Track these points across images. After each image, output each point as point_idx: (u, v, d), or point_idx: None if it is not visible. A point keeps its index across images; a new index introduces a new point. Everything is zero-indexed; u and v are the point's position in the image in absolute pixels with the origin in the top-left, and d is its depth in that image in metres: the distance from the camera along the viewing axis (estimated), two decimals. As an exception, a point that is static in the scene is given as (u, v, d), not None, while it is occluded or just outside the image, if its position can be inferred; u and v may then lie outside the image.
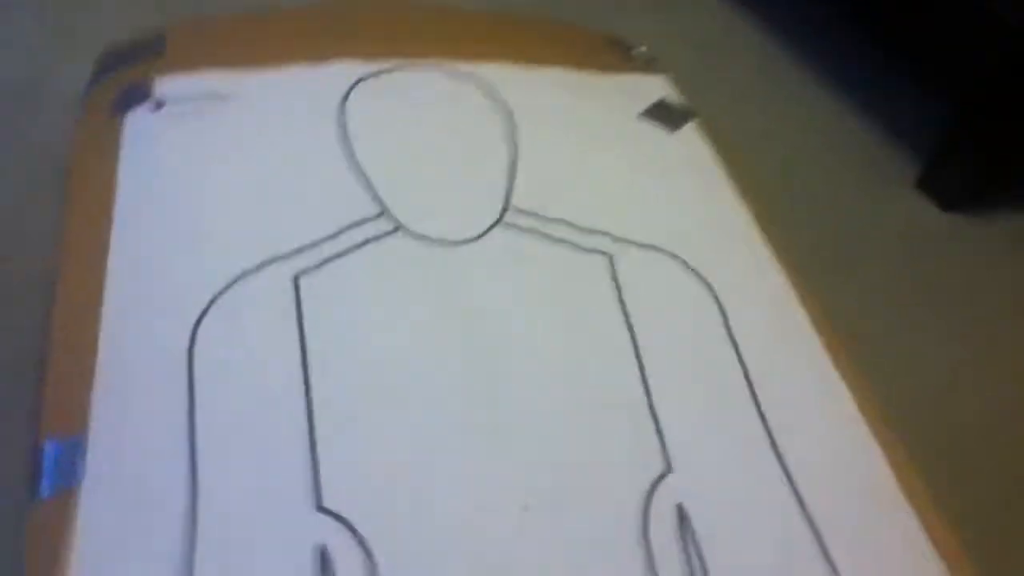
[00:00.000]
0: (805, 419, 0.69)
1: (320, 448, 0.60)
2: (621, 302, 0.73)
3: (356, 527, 0.57)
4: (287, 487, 0.58)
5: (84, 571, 0.54)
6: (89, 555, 0.55)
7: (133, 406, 0.61)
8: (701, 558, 0.60)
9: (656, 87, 0.97)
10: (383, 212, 0.74)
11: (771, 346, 0.73)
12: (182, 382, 0.62)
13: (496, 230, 0.76)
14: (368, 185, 0.76)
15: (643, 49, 1.02)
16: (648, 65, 1.01)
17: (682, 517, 0.61)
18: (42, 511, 0.57)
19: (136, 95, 0.79)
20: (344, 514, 0.57)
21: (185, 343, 0.64)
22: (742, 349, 0.73)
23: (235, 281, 0.68)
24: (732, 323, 0.74)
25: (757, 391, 0.70)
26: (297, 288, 0.68)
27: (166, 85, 0.81)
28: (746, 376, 0.71)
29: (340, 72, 0.85)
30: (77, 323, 0.64)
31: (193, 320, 0.65)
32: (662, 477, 0.63)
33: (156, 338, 0.64)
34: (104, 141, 0.78)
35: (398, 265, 0.71)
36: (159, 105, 0.79)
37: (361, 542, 0.56)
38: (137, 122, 0.78)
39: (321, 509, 0.57)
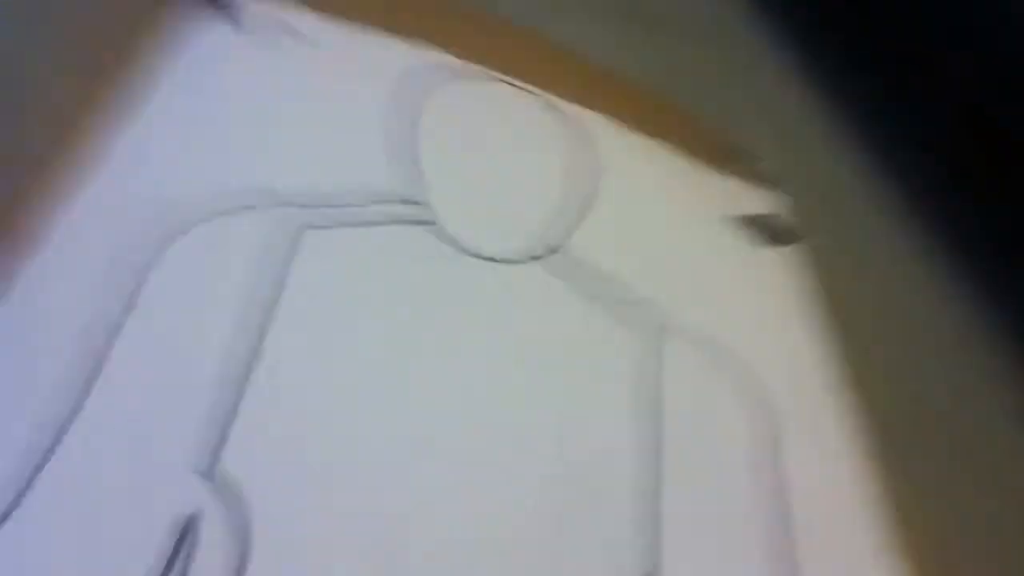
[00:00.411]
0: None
1: (242, 408, 0.49)
2: (655, 388, 0.61)
3: (247, 501, 0.46)
4: (185, 434, 0.47)
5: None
6: None
7: (60, 290, 0.52)
8: None
9: (768, 200, 0.87)
10: (423, 202, 0.65)
11: (830, 505, 0.60)
12: (125, 291, 0.53)
13: (536, 264, 0.65)
14: (420, 171, 0.67)
15: (765, 163, 0.92)
16: (766, 180, 0.91)
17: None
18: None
19: (219, 5, 0.73)
20: (240, 484, 0.46)
21: (148, 255, 0.55)
22: (790, 484, 0.60)
23: (236, 211, 0.59)
24: (785, 453, 0.61)
25: (795, 530, 0.56)
26: (298, 240, 0.59)
27: (254, 7, 0.74)
28: (785, 511, 0.57)
29: (438, 64, 0.78)
30: (45, 187, 0.56)
31: (170, 234, 0.56)
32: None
33: (122, 237, 0.55)
34: (168, 33, 0.71)
35: (413, 258, 0.62)
36: (237, 23, 0.72)
37: (244, 516, 0.45)
38: (206, 30, 0.72)
39: (213, 471, 0.46)
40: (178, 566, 0.43)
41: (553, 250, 0.67)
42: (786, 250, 0.81)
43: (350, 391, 0.53)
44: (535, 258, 0.66)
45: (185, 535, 0.44)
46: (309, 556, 0.46)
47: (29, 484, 0.44)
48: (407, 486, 0.50)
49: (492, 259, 0.64)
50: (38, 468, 0.44)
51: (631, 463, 0.57)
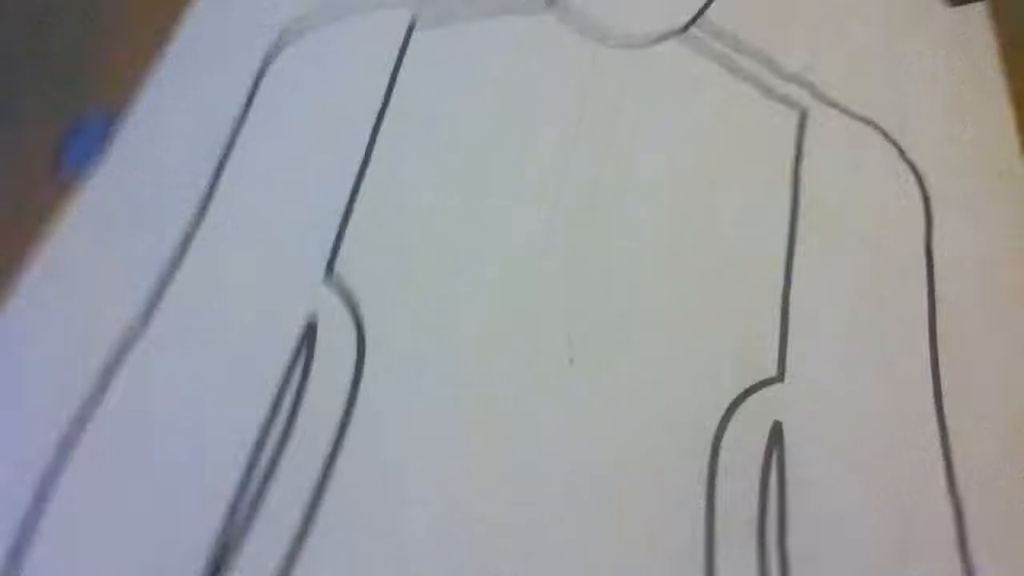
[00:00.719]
0: (989, 386, 0.50)
1: (356, 210, 0.50)
2: (796, 170, 0.56)
3: (359, 300, 0.46)
4: (302, 238, 0.49)
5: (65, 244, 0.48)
6: (77, 231, 0.48)
7: (181, 102, 0.53)
8: (782, 492, 0.44)
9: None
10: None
11: (979, 285, 0.54)
12: (242, 95, 0.53)
13: (672, 42, 0.60)
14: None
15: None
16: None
17: (776, 437, 0.46)
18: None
19: None
20: (353, 283, 0.47)
21: (257, 63, 0.55)
22: (938, 272, 0.54)
23: (343, 14, 0.57)
24: (936, 238, 0.56)
25: (938, 325, 0.52)
26: (408, 37, 0.56)
27: None
28: (931, 302, 0.53)
29: None
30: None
31: (274, 41, 0.56)
32: (767, 383, 0.48)
33: (234, 45, 0.55)
34: None
35: (534, 46, 0.58)
36: None
37: (358, 319, 0.46)
38: None
39: (330, 273, 0.47)
40: (302, 361, 0.45)
41: (690, 23, 0.61)
42: (969, 10, 0.71)
43: (460, 194, 0.52)
44: (671, 34, 0.60)
45: (307, 334, 0.46)
46: (415, 360, 0.47)
47: (159, 296, 0.47)
48: (515, 282, 0.50)
49: (622, 42, 0.59)
50: (164, 283, 0.47)
51: (765, 252, 0.53)
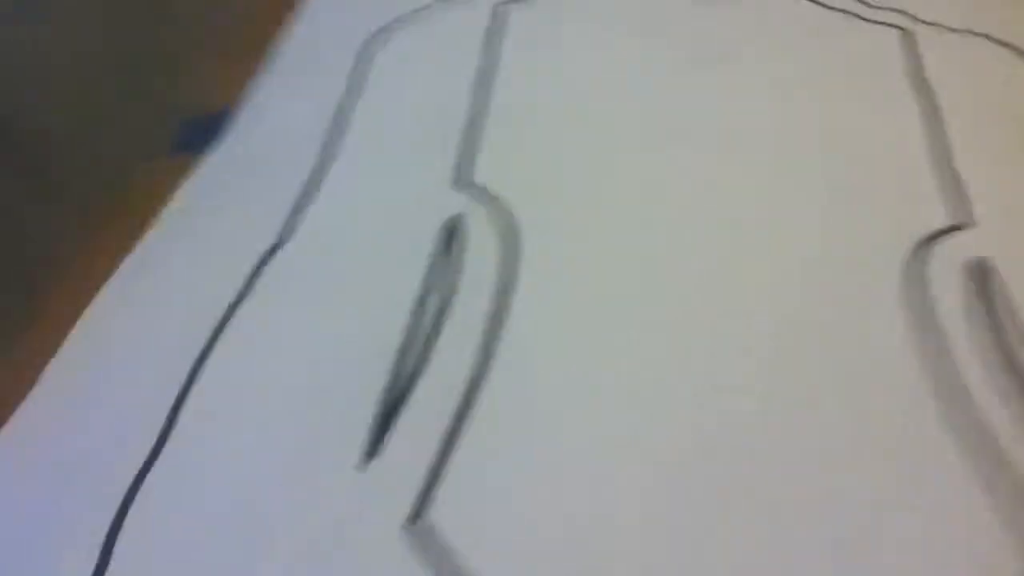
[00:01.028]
0: None
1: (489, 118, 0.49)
2: (919, 70, 0.55)
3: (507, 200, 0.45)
4: (438, 155, 0.47)
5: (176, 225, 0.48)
6: (188, 212, 0.48)
7: (293, 88, 0.54)
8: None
9: None
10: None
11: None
12: (344, 76, 0.54)
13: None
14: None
15: None
16: None
17: (982, 274, 0.42)
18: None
19: None
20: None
21: (359, 44, 0.56)
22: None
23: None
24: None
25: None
26: (497, 16, 0.58)
27: None
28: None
29: None
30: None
31: (377, 27, 0.57)
32: (958, 228, 0.44)
33: (341, 34, 0.57)
34: None
35: (621, 7, 0.59)
36: None
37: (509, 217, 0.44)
38: None
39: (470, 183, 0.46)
40: (454, 255, 0.42)
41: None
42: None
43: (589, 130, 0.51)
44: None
45: (453, 232, 0.43)
46: (580, 257, 0.44)
47: (297, 212, 0.45)
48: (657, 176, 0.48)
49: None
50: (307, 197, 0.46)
51: (918, 134, 0.50)
